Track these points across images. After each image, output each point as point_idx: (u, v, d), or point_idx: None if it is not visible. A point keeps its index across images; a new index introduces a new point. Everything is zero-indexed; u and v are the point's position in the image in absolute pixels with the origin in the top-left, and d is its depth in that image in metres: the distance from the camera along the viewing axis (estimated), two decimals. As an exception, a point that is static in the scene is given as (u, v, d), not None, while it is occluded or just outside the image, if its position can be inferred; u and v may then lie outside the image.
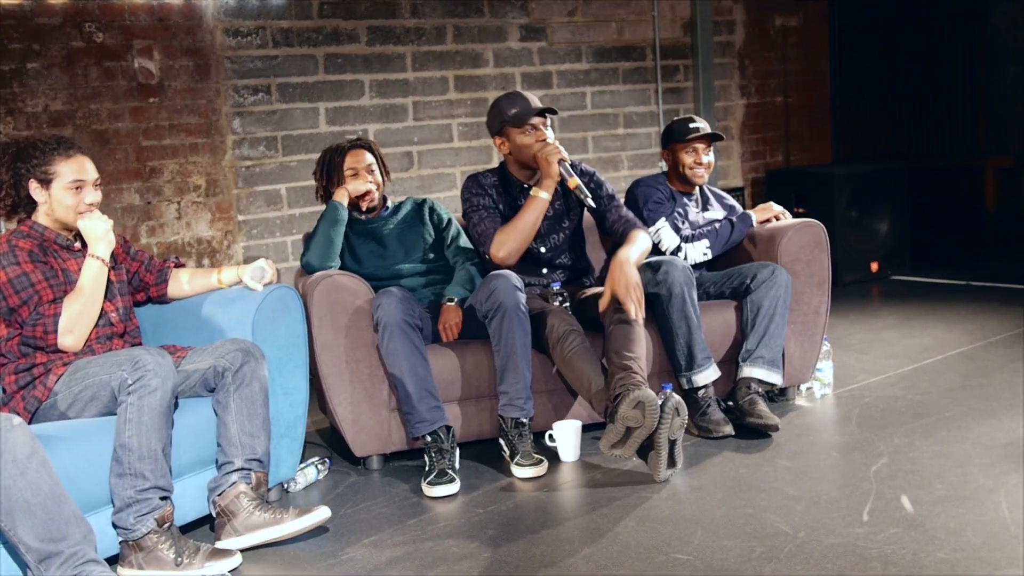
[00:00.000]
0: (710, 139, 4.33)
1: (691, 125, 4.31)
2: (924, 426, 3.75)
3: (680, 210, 4.31)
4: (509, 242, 3.80)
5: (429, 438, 3.55)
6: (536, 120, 3.88)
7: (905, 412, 3.92)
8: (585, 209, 3.99)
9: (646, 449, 3.39)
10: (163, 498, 2.93)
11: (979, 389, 4.15)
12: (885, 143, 8.24)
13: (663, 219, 4.21)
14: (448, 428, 3.59)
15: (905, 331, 5.21)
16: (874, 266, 6.58)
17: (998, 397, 4.03)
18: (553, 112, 3.95)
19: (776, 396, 4.17)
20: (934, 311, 5.58)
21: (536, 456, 3.58)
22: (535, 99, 3.94)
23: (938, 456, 3.45)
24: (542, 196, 3.80)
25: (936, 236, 7.34)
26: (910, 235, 6.77)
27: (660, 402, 3.33)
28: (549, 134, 3.88)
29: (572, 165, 3.84)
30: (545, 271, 4.05)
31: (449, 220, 4.15)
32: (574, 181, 3.76)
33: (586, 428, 3.77)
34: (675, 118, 4.39)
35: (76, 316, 3.13)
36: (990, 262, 6.96)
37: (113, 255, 3.29)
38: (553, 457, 3.67)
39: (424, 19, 5.52)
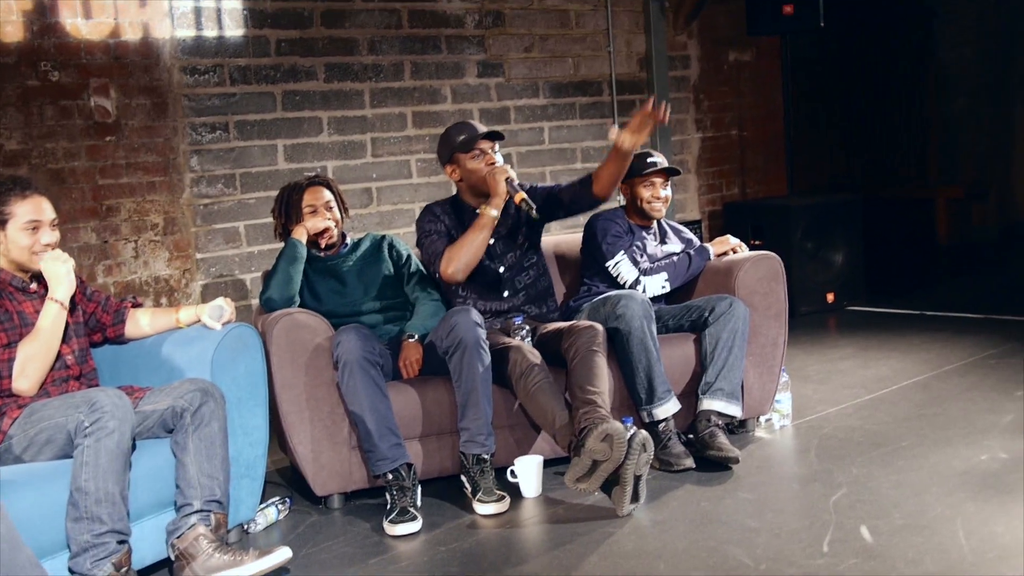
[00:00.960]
0: (667, 173, 4.38)
1: (648, 160, 4.36)
2: (882, 456, 3.79)
3: (638, 243, 4.34)
4: (458, 258, 3.82)
5: (390, 476, 3.54)
6: (484, 144, 3.96)
7: (863, 442, 3.96)
8: (542, 230, 4.11)
9: (610, 484, 3.40)
10: (120, 542, 2.89)
11: (935, 418, 4.21)
12: (839, 175, 8.37)
13: (622, 252, 4.24)
14: (409, 465, 3.58)
15: (861, 361, 5.27)
16: (830, 297, 6.65)
17: (953, 425, 4.08)
18: (500, 136, 4.00)
19: (736, 428, 4.20)
20: (889, 341, 5.66)
21: (498, 492, 3.58)
22: (482, 126, 4.02)
23: (896, 486, 3.48)
24: (491, 213, 3.84)
25: (890, 266, 7.44)
26: (865, 266, 6.86)
27: (628, 436, 3.34)
28: (498, 158, 3.94)
29: (520, 185, 3.90)
30: (506, 294, 4.07)
31: (408, 256, 4.16)
32: (520, 195, 3.82)
33: (548, 463, 3.77)
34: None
35: (31, 360, 3.10)
36: (943, 291, 7.06)
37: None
38: (515, 493, 3.66)
39: (382, 56, 5.55)
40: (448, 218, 4.03)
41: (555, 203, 4.04)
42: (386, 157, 5.58)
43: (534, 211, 3.82)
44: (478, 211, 3.93)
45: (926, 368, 5.00)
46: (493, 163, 3.93)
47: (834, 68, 8.28)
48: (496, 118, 5.95)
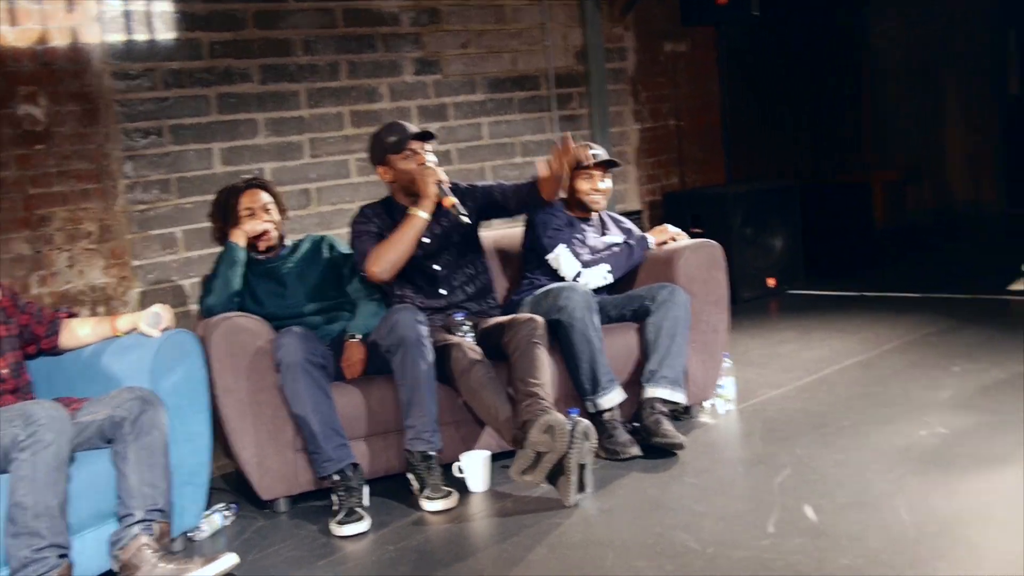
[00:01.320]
0: (607, 165, 4.39)
1: (588, 152, 4.38)
2: (824, 436, 3.84)
3: (579, 235, 4.36)
4: (383, 257, 3.83)
5: (336, 477, 3.52)
6: (415, 144, 3.96)
7: (806, 423, 4.02)
8: (478, 228, 4.13)
9: (556, 474, 3.41)
10: (61, 556, 2.84)
11: (875, 396, 4.27)
12: (776, 162, 8.46)
13: (562, 245, 4.25)
14: (355, 465, 3.56)
15: (803, 344, 5.34)
16: (770, 282, 6.72)
17: (894, 403, 4.15)
18: (431, 136, 4.00)
19: (681, 414, 4.23)
20: (830, 323, 5.73)
21: (445, 488, 3.57)
22: (412, 126, 4.03)
23: (839, 464, 3.53)
24: (420, 215, 3.85)
25: (829, 250, 7.55)
26: (804, 250, 6.94)
27: (570, 426, 3.36)
28: (430, 157, 3.94)
29: (453, 186, 3.92)
30: (445, 292, 4.06)
31: (349, 255, 4.13)
32: (449, 200, 3.84)
33: (494, 457, 3.77)
34: (571, 145, 4.44)
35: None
36: (881, 273, 7.17)
37: (2, 309, 3.20)
38: (463, 488, 3.66)
39: (317, 56, 5.50)
40: (380, 219, 4.02)
41: (495, 204, 4.05)
42: (324, 157, 5.54)
43: (463, 217, 3.85)
44: (409, 210, 3.93)
45: (866, 348, 5.07)
46: (423, 163, 3.93)
47: (769, 57, 8.37)
48: (434, 115, 5.94)
